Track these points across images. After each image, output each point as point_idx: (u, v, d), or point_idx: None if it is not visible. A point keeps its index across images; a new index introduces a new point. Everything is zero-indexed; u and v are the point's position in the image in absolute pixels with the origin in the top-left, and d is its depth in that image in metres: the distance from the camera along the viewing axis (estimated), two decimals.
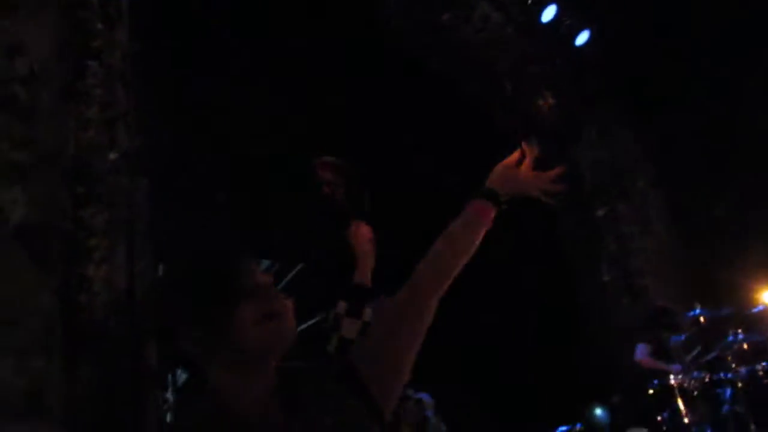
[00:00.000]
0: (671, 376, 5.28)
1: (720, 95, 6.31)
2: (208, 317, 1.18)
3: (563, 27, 6.00)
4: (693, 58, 6.18)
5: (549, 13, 5.89)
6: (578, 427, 5.55)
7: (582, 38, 6.10)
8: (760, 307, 5.38)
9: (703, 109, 6.34)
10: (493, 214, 1.50)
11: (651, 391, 5.43)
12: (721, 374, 5.29)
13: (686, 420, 5.19)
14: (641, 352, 5.58)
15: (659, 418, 5.35)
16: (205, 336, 1.19)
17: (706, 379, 5.32)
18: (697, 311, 5.48)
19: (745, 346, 5.26)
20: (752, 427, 4.94)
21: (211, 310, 1.18)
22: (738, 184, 6.24)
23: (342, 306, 2.09)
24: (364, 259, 2.18)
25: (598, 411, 5.68)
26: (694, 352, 5.55)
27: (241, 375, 1.20)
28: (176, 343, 1.23)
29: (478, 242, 1.48)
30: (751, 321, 5.40)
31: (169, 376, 4.14)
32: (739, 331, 5.24)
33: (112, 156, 2.89)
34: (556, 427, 5.57)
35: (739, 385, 5.16)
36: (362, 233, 2.22)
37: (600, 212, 6.51)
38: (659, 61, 6.24)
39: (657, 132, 6.58)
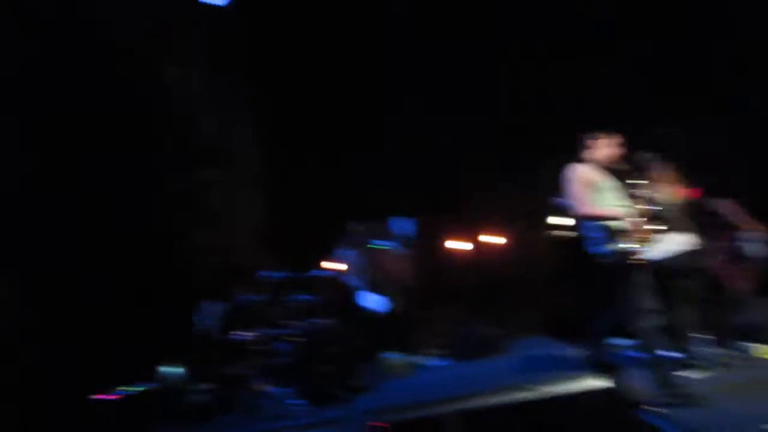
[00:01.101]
0: (238, 333, 5.75)
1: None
2: None
3: None
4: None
5: None
6: (153, 386, 5.63)
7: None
8: (317, 272, 6.30)
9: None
10: None
11: (218, 348, 5.81)
12: (281, 330, 5.98)
13: (247, 373, 5.71)
14: (212, 312, 5.93)
15: (225, 372, 5.77)
16: None
17: (268, 335, 5.94)
18: (269, 273, 6.10)
19: (304, 305, 6.10)
20: (307, 377, 5.74)
21: None
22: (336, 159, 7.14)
23: None
24: None
25: (171, 369, 5.84)
26: (263, 311, 6.14)
27: None
28: None
29: None
30: (310, 283, 6.26)
31: None
32: (301, 291, 6.05)
33: None
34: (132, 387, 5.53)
35: (296, 340, 5.92)
36: None
37: (202, 174, 6.63)
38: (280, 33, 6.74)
39: (268, 100, 7.04)
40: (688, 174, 5.25)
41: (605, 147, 4.55)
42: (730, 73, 7.45)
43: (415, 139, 8.70)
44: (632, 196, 4.42)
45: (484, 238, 10.00)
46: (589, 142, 4.59)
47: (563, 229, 8.68)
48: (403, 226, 7.55)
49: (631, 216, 4.28)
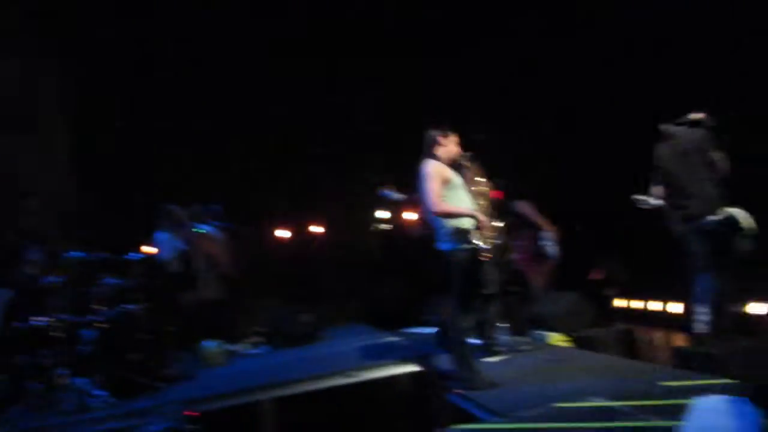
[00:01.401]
0: (35, 319, 5.21)
1: None
2: None
3: None
4: None
5: None
6: None
7: None
8: (133, 255, 5.89)
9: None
10: None
11: (10, 336, 5.22)
12: (88, 317, 5.51)
13: (43, 363, 5.19)
14: (3, 296, 5.33)
15: (16, 363, 5.19)
16: None
17: (70, 321, 5.43)
18: (76, 254, 5.59)
19: (115, 289, 5.66)
20: (112, 367, 5.34)
21: None
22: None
23: None
24: None
25: None
26: (66, 294, 5.61)
27: None
28: None
29: None
30: (124, 266, 5.84)
31: None
32: (113, 275, 5.62)
33: None
34: None
35: (103, 326, 5.49)
36: None
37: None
38: None
39: (74, 69, 6.44)
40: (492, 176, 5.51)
41: (453, 144, 4.54)
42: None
43: (238, 126, 8.57)
44: (474, 194, 4.53)
45: (306, 227, 10.06)
46: (440, 138, 4.51)
47: (387, 222, 9.01)
48: (219, 211, 7.36)
49: (480, 214, 4.37)
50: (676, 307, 7.62)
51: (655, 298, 7.97)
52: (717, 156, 4.82)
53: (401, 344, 6.22)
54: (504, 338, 5.41)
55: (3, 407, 5.04)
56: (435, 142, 4.50)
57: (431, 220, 4.45)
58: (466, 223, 4.31)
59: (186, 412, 4.56)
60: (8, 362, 5.16)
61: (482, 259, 4.28)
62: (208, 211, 7.29)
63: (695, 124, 4.98)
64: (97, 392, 5.07)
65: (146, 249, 6.29)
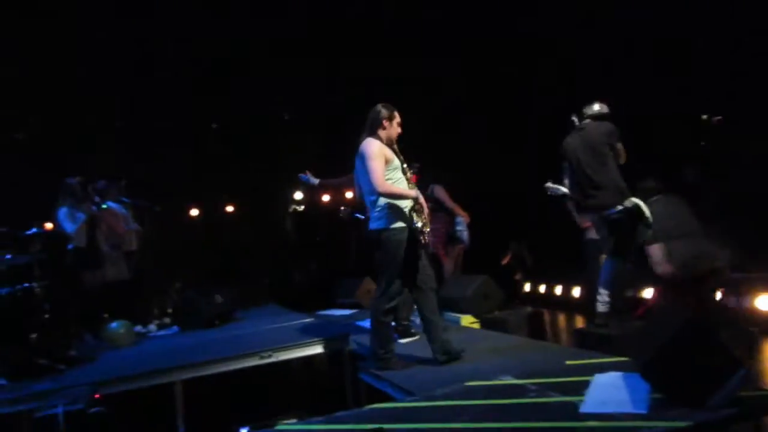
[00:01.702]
0: None
1: None
2: None
3: None
4: None
5: None
6: None
7: None
8: (35, 230, 5.55)
9: None
10: None
11: None
12: None
13: None
14: None
15: None
16: None
17: None
18: None
19: (9, 266, 5.32)
20: (9, 348, 5.04)
21: None
22: None
23: None
24: None
25: None
26: None
27: None
28: None
29: None
30: (22, 241, 5.50)
31: None
32: (11, 250, 5.30)
33: None
34: None
35: None
36: None
37: None
38: None
39: None
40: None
41: (396, 124, 4.39)
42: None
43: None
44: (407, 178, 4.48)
45: (220, 207, 9.85)
46: (385, 121, 4.33)
47: (303, 204, 8.97)
48: (125, 186, 7.09)
49: (420, 195, 4.31)
50: (577, 291, 8.07)
51: (560, 282, 8.41)
52: (619, 147, 5.10)
53: (316, 325, 6.23)
54: (419, 320, 5.50)
55: None
56: (380, 122, 4.36)
57: (368, 201, 4.38)
58: (406, 204, 4.28)
59: (91, 395, 4.38)
60: None
61: (420, 240, 4.28)
62: (113, 186, 6.99)
63: (601, 116, 5.25)
64: None
65: (49, 225, 5.94)
